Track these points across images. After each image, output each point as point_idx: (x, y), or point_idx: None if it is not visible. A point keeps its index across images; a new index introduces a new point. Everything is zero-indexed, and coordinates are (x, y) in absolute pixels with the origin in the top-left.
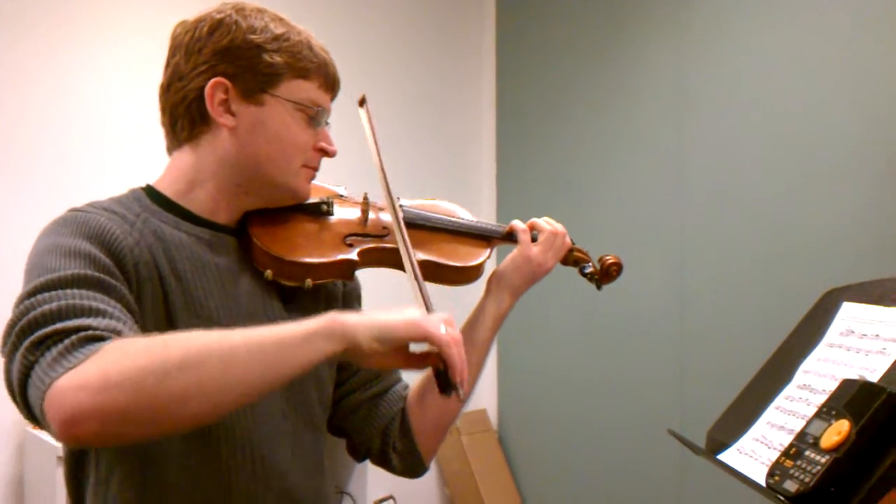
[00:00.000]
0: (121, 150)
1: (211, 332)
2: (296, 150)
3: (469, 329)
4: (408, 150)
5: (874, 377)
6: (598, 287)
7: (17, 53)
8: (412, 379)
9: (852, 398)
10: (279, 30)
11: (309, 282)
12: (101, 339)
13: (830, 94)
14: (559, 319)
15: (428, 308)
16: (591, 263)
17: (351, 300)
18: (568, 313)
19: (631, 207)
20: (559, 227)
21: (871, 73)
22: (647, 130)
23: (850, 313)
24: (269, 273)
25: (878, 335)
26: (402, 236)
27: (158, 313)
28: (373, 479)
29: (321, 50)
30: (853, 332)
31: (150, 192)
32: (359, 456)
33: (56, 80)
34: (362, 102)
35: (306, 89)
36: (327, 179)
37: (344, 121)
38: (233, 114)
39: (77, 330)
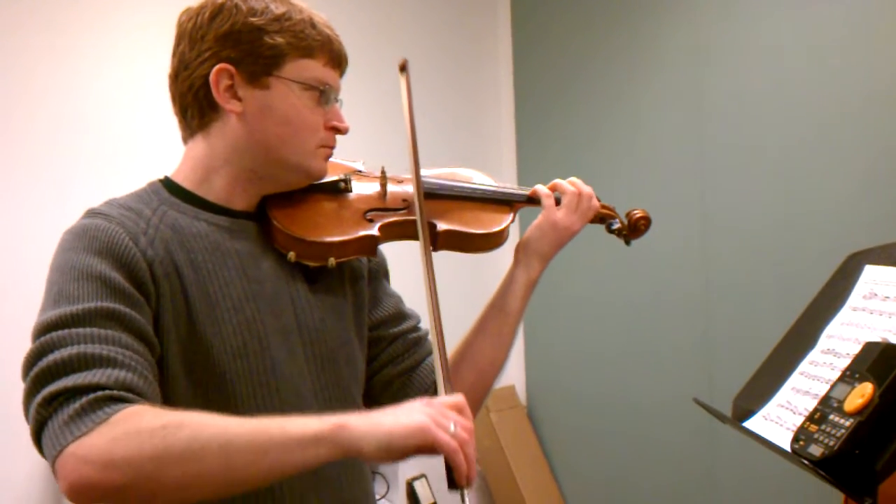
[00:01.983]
0: (140, 142)
1: (222, 421)
2: (307, 130)
3: (500, 299)
4: (426, 115)
5: None
6: (627, 242)
7: (29, 49)
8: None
9: (875, 361)
10: (280, 10)
11: (332, 260)
12: (113, 399)
13: (851, 46)
14: (583, 293)
15: (446, 383)
16: (617, 219)
17: (377, 276)
18: (592, 286)
19: (651, 171)
20: (585, 188)
21: (888, 30)
22: (666, 93)
23: (872, 276)
24: (291, 255)
25: None
26: (430, 278)
27: (178, 307)
28: None
29: (325, 27)
30: (876, 294)
31: (168, 183)
32: None
33: (71, 72)
34: (403, 68)
35: (312, 68)
36: (346, 155)
37: (358, 95)
38: (240, 99)
39: (88, 390)
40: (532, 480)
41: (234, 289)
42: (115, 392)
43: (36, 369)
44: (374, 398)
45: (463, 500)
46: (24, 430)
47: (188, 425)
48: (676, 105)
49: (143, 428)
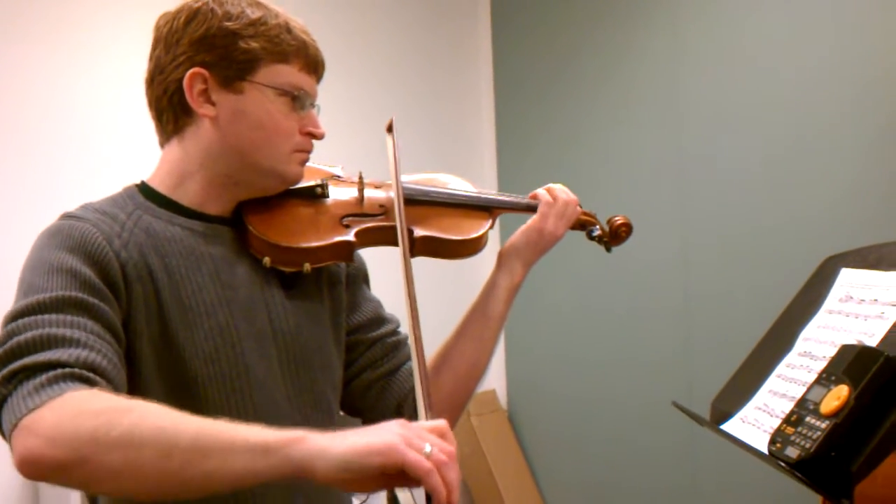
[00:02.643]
0: (118, 146)
1: (171, 415)
2: (280, 136)
3: (482, 304)
4: (406, 120)
5: (873, 342)
6: (608, 249)
7: (9, 54)
8: (429, 353)
9: (851, 363)
10: (255, 14)
11: (308, 266)
12: (73, 376)
13: (827, 55)
14: (565, 298)
15: (427, 409)
16: (598, 226)
17: (356, 281)
18: (573, 291)
19: (631, 176)
20: (571, 195)
21: (867, 36)
22: (646, 97)
23: (848, 279)
24: (267, 260)
25: (876, 300)
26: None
27: (151, 311)
28: None
29: (301, 32)
30: (852, 297)
31: (144, 188)
32: None
33: (52, 78)
34: (390, 128)
35: (287, 73)
36: (324, 160)
37: (336, 99)
38: (213, 104)
39: (48, 366)
40: (513, 484)
41: (208, 294)
42: (76, 370)
43: (0, 352)
44: (353, 403)
45: None
46: None
47: (135, 412)
48: (655, 109)
49: (90, 409)
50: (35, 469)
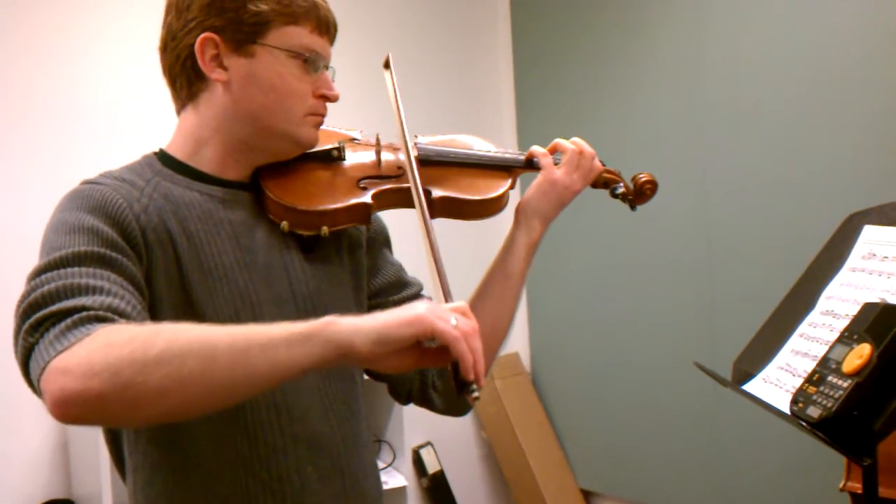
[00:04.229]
0: (137, 114)
1: (201, 327)
2: (293, 99)
3: (501, 262)
4: (425, 83)
5: None
6: (633, 207)
7: (24, 26)
8: None
9: (873, 321)
10: None
11: (325, 229)
12: (98, 318)
13: (849, 11)
14: (586, 259)
15: (445, 294)
16: (622, 184)
17: (377, 244)
18: (594, 253)
19: (652, 136)
20: (587, 147)
21: None
22: (665, 57)
23: (871, 236)
24: (284, 224)
25: None
26: (423, 215)
27: (172, 276)
28: (410, 426)
29: None
30: (875, 255)
31: (162, 155)
32: (401, 398)
33: (67, 48)
34: (387, 64)
35: (298, 35)
36: (341, 124)
37: (353, 64)
38: (225, 68)
39: (73, 311)
40: (537, 447)
41: (227, 258)
42: (100, 313)
43: (23, 306)
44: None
45: (474, 397)
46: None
47: (166, 331)
48: (675, 69)
49: (122, 338)
50: (73, 407)
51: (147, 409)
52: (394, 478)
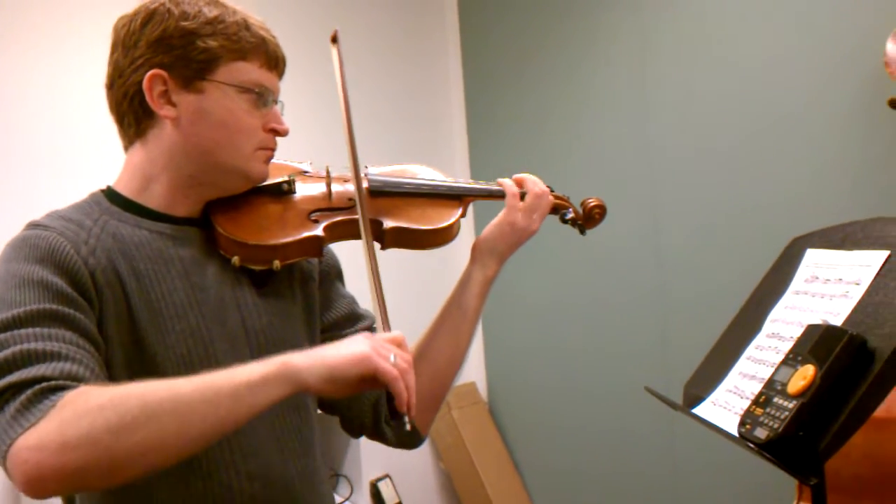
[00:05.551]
0: (85, 152)
1: (167, 383)
2: (243, 134)
3: (457, 297)
4: (376, 113)
5: (838, 321)
6: (582, 232)
7: None
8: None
9: (816, 343)
10: (213, 13)
11: (277, 263)
12: (58, 388)
13: (790, 40)
14: (540, 289)
15: (385, 323)
16: (571, 209)
17: (329, 278)
18: (548, 282)
19: (601, 162)
20: (542, 186)
21: (833, 20)
22: (613, 83)
23: (813, 259)
24: (236, 259)
25: (840, 279)
26: (367, 241)
27: (122, 317)
28: (367, 459)
29: (260, 28)
30: (817, 277)
31: (110, 193)
32: (354, 432)
33: (16, 85)
34: (334, 39)
35: (247, 70)
36: (291, 156)
37: (303, 95)
38: (174, 105)
39: (33, 382)
40: (495, 476)
41: (178, 296)
42: (60, 382)
43: None
44: (329, 402)
45: (404, 427)
46: None
47: (136, 393)
48: (623, 95)
49: (91, 405)
50: (51, 483)
51: (126, 472)
52: None
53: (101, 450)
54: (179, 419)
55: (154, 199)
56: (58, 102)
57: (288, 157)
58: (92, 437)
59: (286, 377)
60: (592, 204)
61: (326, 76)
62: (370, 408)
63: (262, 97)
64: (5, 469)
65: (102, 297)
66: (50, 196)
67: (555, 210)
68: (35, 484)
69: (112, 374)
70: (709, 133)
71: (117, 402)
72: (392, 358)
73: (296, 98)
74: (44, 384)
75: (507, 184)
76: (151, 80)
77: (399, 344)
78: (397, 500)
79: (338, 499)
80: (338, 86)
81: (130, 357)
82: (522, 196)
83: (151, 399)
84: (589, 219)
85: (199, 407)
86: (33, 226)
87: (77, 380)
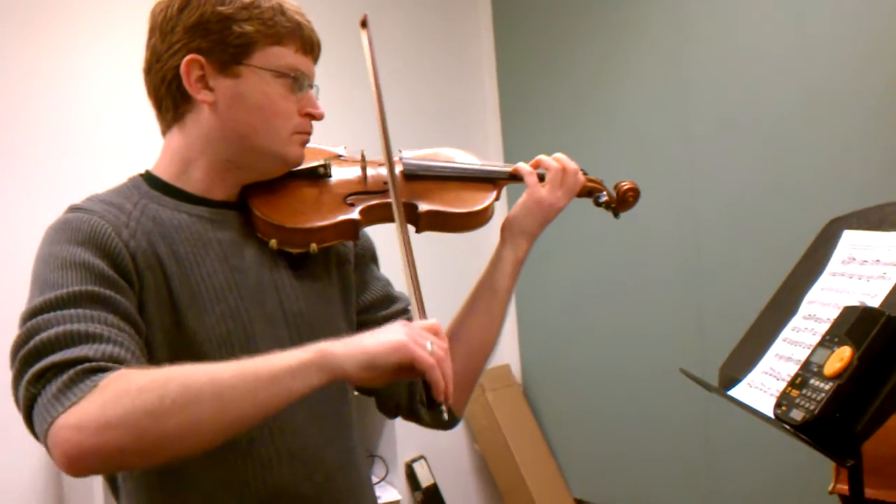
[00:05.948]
0: (125, 137)
1: (208, 367)
2: (279, 118)
3: (488, 278)
4: (410, 97)
5: (875, 302)
6: (616, 215)
7: (16, 45)
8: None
9: (853, 324)
10: None
11: (314, 246)
12: (99, 370)
13: (828, 18)
14: (575, 270)
15: (421, 311)
16: (605, 192)
17: (364, 261)
18: (583, 263)
19: (637, 144)
20: (570, 163)
21: None
22: (649, 65)
23: (851, 241)
24: (273, 242)
25: (878, 260)
26: (402, 230)
27: (162, 299)
28: (402, 441)
29: (295, 13)
30: (854, 259)
31: (149, 177)
32: (389, 412)
33: (57, 69)
34: (364, 23)
35: (283, 55)
36: (327, 141)
37: (337, 80)
38: (211, 89)
39: (74, 363)
40: (530, 458)
41: (217, 279)
42: (101, 363)
43: (23, 352)
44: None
45: (441, 415)
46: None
47: (176, 377)
48: (659, 75)
49: (132, 387)
50: (91, 461)
51: (164, 454)
52: (387, 492)
53: (140, 431)
54: (218, 404)
55: (192, 183)
56: (95, 86)
57: (324, 141)
58: (131, 418)
59: (324, 365)
60: (626, 187)
61: (362, 61)
62: (405, 388)
63: (298, 81)
64: (46, 448)
65: (143, 280)
66: (88, 180)
67: (588, 193)
68: (75, 463)
69: (153, 355)
70: (745, 113)
71: (158, 385)
72: (429, 346)
73: (332, 83)
74: (85, 365)
75: (521, 165)
76: (189, 65)
77: (435, 332)
78: (432, 481)
79: (373, 479)
80: (368, 70)
81: (171, 339)
82: (541, 177)
83: (191, 383)
84: (622, 202)
85: (238, 393)
86: (74, 209)
87: (118, 362)
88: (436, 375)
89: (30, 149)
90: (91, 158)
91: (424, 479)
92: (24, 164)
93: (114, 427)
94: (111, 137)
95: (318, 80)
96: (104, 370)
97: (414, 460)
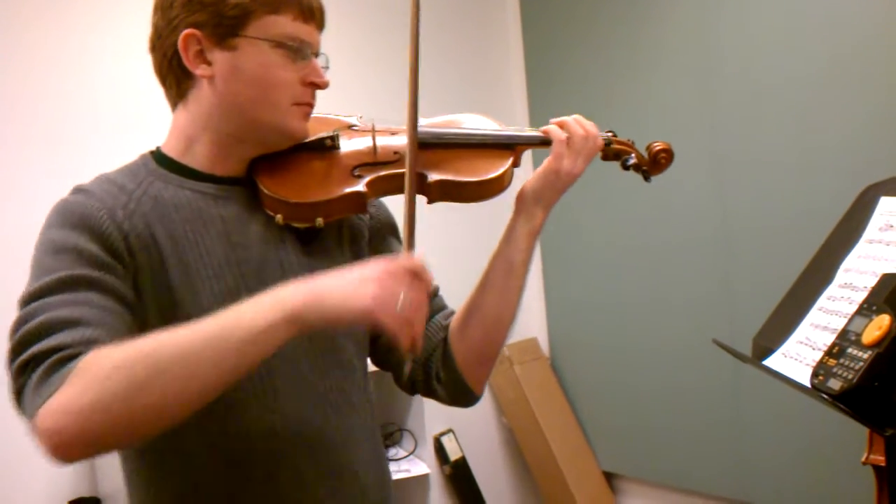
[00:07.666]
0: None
1: (176, 334)
2: (278, 89)
3: (503, 251)
4: (434, 64)
5: None
6: (647, 178)
7: (38, 28)
8: (458, 304)
9: (892, 292)
10: None
11: (320, 220)
12: (75, 356)
13: None
14: (600, 240)
15: (409, 242)
16: (634, 154)
17: (381, 234)
18: (608, 233)
19: (663, 110)
20: (590, 128)
21: None
22: (677, 30)
23: (888, 208)
24: (279, 217)
25: None
26: (411, 153)
27: (157, 279)
28: (430, 415)
29: None
30: (892, 226)
31: (157, 154)
32: (407, 389)
33: (79, 49)
34: None
35: (281, 24)
36: (341, 110)
37: (358, 47)
38: (209, 63)
39: (51, 352)
40: (558, 430)
41: (215, 256)
42: (77, 349)
43: (12, 342)
44: (381, 358)
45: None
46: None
47: (143, 353)
48: (688, 43)
49: (102, 370)
50: (75, 450)
51: (146, 428)
52: (416, 466)
53: (115, 414)
54: (189, 376)
55: (197, 160)
56: (109, 63)
57: (341, 110)
58: (104, 403)
59: (293, 321)
60: (658, 148)
61: (384, 30)
62: (421, 365)
63: (299, 51)
64: (35, 438)
65: (137, 261)
66: (103, 158)
67: (616, 156)
68: (60, 450)
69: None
70: (776, 78)
71: (128, 364)
72: (398, 305)
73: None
74: (62, 353)
75: (553, 129)
76: (186, 40)
77: (415, 273)
78: (460, 455)
79: (402, 453)
80: (410, 29)
81: (167, 319)
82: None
83: (159, 357)
84: (655, 164)
85: (208, 362)
86: (76, 190)
87: (95, 343)
88: (401, 339)
89: (46, 129)
90: (102, 137)
91: (453, 453)
92: (41, 144)
93: (89, 412)
94: (111, 124)
95: (341, 51)
96: (79, 355)
97: (442, 434)
